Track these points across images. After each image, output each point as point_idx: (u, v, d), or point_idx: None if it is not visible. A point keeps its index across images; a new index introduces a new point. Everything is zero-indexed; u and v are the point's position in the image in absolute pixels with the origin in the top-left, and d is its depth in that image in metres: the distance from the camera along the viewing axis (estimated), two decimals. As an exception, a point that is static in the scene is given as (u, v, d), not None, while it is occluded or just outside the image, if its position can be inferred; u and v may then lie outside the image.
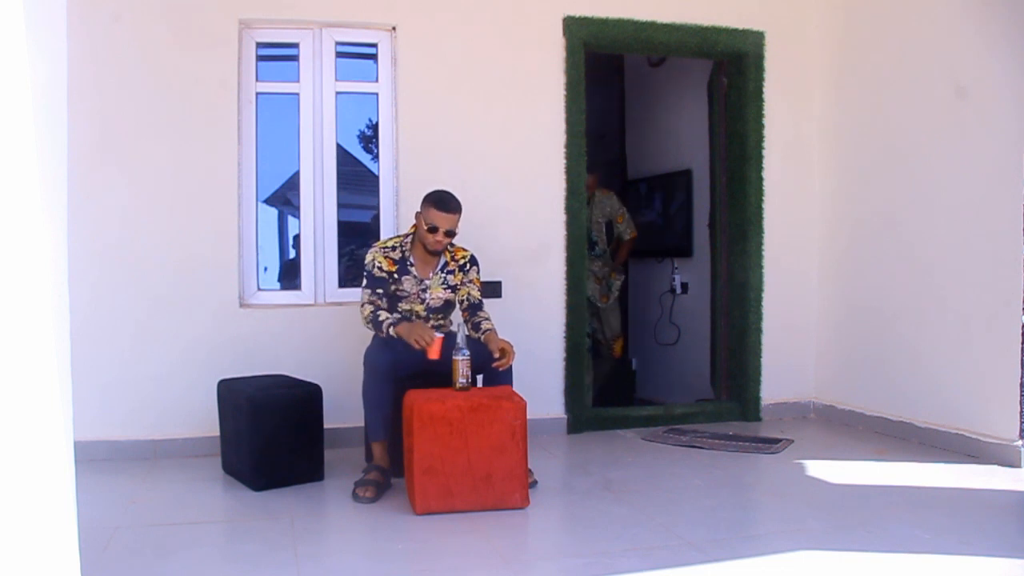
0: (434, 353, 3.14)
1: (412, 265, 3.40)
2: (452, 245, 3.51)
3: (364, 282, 3.40)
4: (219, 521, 3.03)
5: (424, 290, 3.41)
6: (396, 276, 3.39)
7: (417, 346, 3.13)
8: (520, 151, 4.27)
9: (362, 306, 3.35)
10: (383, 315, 3.28)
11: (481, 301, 3.49)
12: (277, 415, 3.32)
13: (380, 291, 3.36)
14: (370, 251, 3.44)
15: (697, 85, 5.32)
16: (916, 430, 4.01)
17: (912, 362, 4.07)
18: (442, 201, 3.33)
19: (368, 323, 3.30)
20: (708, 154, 5.13)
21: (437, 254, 3.41)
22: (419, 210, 3.39)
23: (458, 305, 3.50)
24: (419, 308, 3.42)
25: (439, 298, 3.44)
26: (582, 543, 2.77)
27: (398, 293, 3.40)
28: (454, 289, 3.47)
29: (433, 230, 3.31)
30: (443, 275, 3.45)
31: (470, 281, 3.49)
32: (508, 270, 4.21)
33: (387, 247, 3.43)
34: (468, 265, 3.50)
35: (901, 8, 4.16)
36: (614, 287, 5.20)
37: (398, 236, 3.52)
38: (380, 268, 3.38)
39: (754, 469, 3.64)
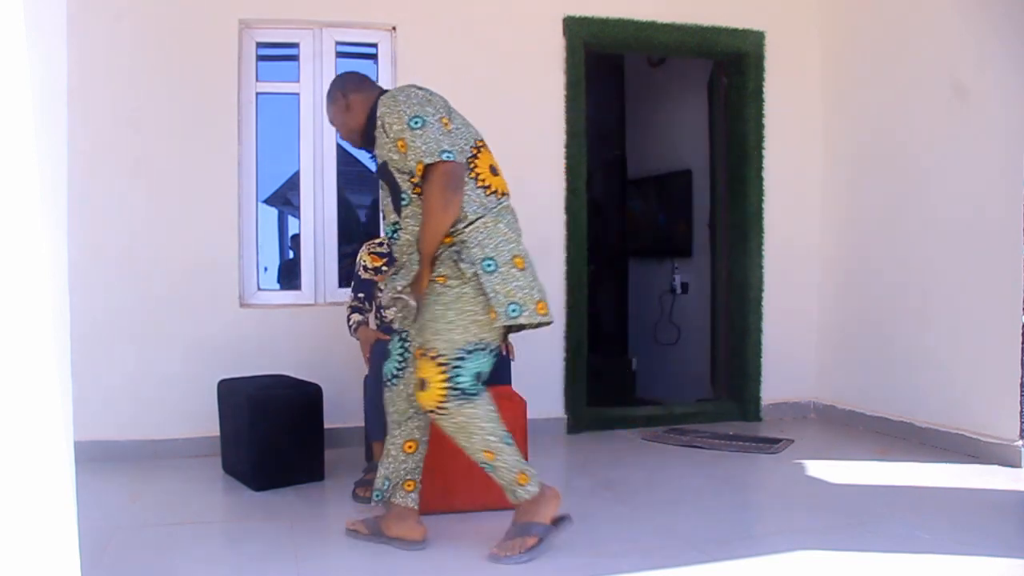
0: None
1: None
2: None
3: (352, 283, 3.50)
4: (219, 521, 3.02)
5: None
6: (386, 268, 3.46)
7: (367, 362, 3.16)
8: (520, 151, 4.24)
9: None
10: (354, 317, 3.38)
11: None
12: (277, 415, 3.32)
13: (362, 295, 3.43)
14: (360, 251, 3.53)
15: (697, 85, 5.32)
16: (916, 430, 4.01)
17: (912, 362, 4.07)
18: None
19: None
20: (708, 154, 5.13)
21: None
22: None
23: None
24: None
25: None
26: (582, 543, 2.77)
27: None
28: None
29: None
30: None
31: None
32: (508, 270, 4.21)
33: (374, 243, 3.52)
34: None
35: (901, 8, 4.16)
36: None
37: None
38: (366, 268, 3.45)
39: (754, 469, 3.64)
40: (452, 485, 2.93)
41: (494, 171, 2.55)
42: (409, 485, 2.63)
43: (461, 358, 2.39)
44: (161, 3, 3.84)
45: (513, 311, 2.37)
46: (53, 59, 1.65)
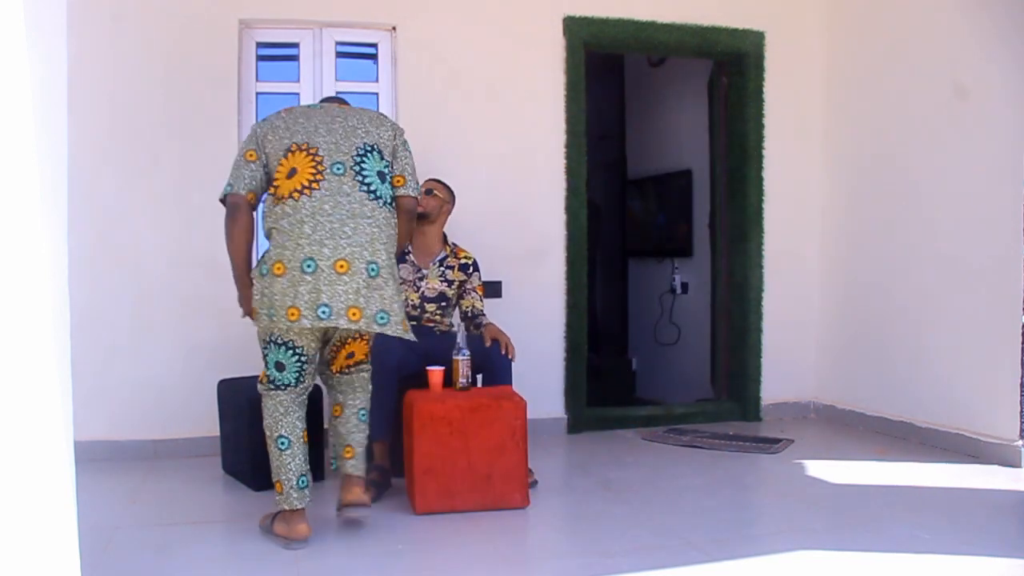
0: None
1: (410, 253, 3.46)
2: (455, 244, 3.55)
3: None
4: (219, 521, 3.02)
5: (421, 279, 3.45)
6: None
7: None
8: (520, 151, 4.27)
9: None
10: None
11: (483, 312, 3.52)
12: (277, 415, 3.31)
13: None
14: None
15: (697, 85, 5.32)
16: (916, 430, 4.01)
17: (912, 362, 4.07)
18: None
19: None
20: (708, 154, 5.13)
21: (425, 218, 3.37)
22: None
23: (460, 316, 3.54)
24: (414, 296, 3.45)
25: (435, 289, 3.47)
26: (582, 543, 2.78)
27: None
28: (451, 284, 3.49)
29: None
30: (441, 268, 3.49)
31: (473, 289, 3.51)
32: (508, 270, 4.21)
33: None
34: (471, 269, 3.53)
35: (901, 8, 4.16)
36: None
37: None
38: None
39: (754, 469, 3.64)
40: (452, 485, 2.93)
41: (292, 173, 2.57)
42: (348, 452, 2.80)
43: (264, 348, 2.69)
44: (161, 3, 3.84)
45: (271, 314, 2.55)
46: (53, 59, 1.65)
